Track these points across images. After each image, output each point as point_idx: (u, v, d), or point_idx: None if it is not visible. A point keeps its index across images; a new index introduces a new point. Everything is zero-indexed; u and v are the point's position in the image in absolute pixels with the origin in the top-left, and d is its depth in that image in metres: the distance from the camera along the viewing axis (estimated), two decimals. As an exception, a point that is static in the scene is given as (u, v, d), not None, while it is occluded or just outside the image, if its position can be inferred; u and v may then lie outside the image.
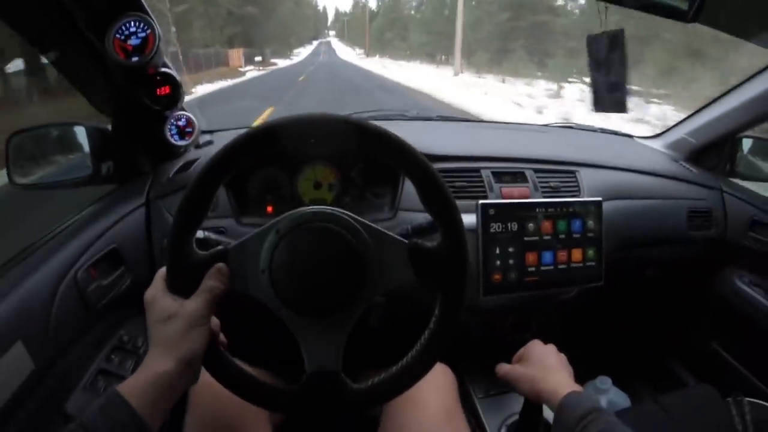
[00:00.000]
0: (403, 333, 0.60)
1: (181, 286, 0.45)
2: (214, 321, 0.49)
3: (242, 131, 0.45)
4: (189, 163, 0.91)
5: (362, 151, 0.46)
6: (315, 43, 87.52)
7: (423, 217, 0.60)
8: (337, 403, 0.47)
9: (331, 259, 0.45)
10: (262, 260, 0.45)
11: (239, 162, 0.45)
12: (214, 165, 0.44)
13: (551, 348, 0.67)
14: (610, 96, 0.74)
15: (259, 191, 0.89)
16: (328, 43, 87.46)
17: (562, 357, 0.66)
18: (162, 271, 0.47)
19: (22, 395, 0.56)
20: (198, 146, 0.96)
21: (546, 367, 0.62)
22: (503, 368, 0.67)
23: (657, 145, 1.24)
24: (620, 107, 0.73)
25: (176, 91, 0.86)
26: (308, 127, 0.45)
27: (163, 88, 0.85)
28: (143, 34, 0.75)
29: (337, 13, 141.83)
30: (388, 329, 0.83)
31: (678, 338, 1.27)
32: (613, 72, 0.72)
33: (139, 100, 0.82)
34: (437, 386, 0.70)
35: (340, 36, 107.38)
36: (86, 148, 0.83)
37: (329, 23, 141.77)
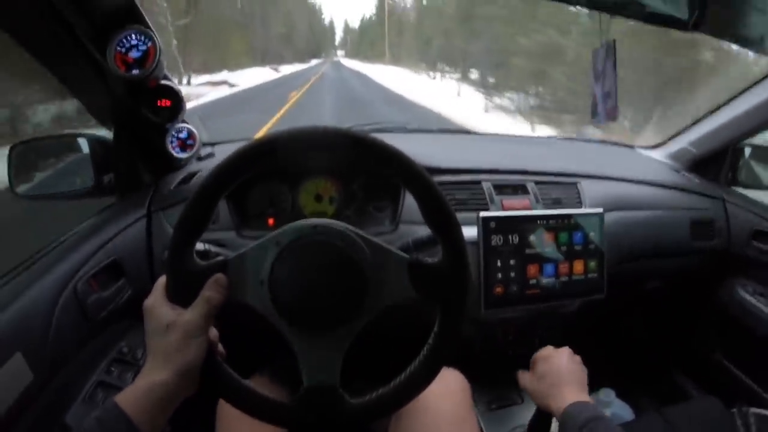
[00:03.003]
0: (402, 346, 0.59)
1: (180, 295, 0.45)
2: (213, 332, 0.49)
3: (243, 143, 0.45)
4: (190, 176, 0.91)
5: (364, 165, 0.45)
6: (313, 62, 53.77)
7: (424, 231, 0.60)
8: (334, 418, 0.47)
9: (331, 272, 0.45)
10: (262, 272, 0.45)
11: (240, 174, 0.45)
12: (216, 176, 0.44)
13: (563, 354, 0.66)
14: (604, 106, 0.76)
15: (260, 204, 0.89)
16: (338, 64, 48.59)
17: (576, 362, 0.65)
18: (162, 279, 0.47)
19: (21, 407, 0.55)
20: (200, 158, 0.96)
21: (555, 381, 0.62)
22: (522, 378, 0.68)
23: (658, 155, 1.24)
24: (613, 115, 0.75)
25: (177, 103, 0.86)
26: (309, 141, 0.45)
27: (163, 101, 0.85)
28: (144, 47, 0.75)
29: (347, 29, 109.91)
30: (387, 342, 0.83)
31: (681, 349, 1.26)
32: (606, 81, 0.74)
33: (140, 112, 0.82)
34: (449, 392, 0.69)
35: (356, 55, 70.19)
36: (88, 159, 0.83)
37: (338, 42, 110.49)
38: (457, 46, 17.19)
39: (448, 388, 0.69)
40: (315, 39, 75.95)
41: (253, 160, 0.45)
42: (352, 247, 0.45)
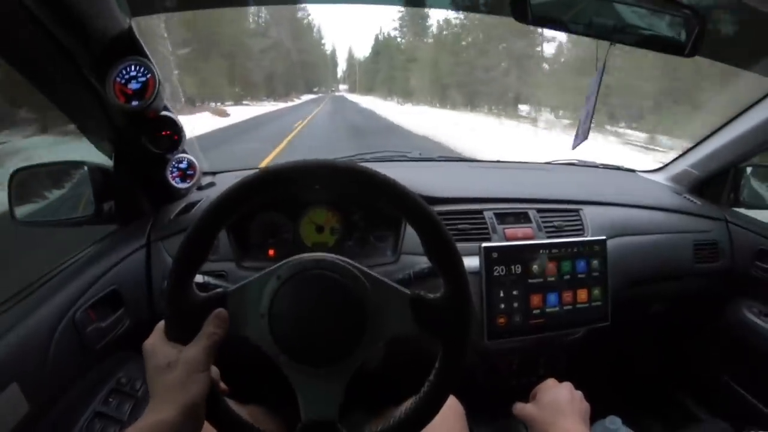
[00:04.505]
0: (402, 376, 0.58)
1: (180, 333, 0.44)
2: (214, 370, 0.48)
3: (244, 173, 0.45)
4: (191, 205, 0.91)
5: (365, 198, 0.45)
6: (303, 98, 39.72)
7: (425, 262, 0.59)
8: None
9: (331, 307, 0.45)
10: (262, 305, 0.44)
11: (239, 207, 0.44)
12: (215, 209, 0.44)
13: (565, 387, 0.65)
14: (581, 126, 0.77)
15: (261, 235, 0.88)
16: (343, 103, 32.31)
17: (577, 396, 0.64)
18: (162, 323, 0.46)
19: None
20: (200, 188, 0.96)
21: (557, 410, 0.61)
22: (518, 407, 0.66)
23: (660, 178, 1.24)
24: (585, 135, 0.76)
25: (177, 134, 0.86)
26: (309, 174, 0.45)
27: (163, 132, 0.85)
28: (143, 79, 0.74)
29: (350, 59, 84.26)
30: (387, 373, 0.81)
31: (688, 372, 1.24)
32: (589, 102, 0.74)
33: (140, 142, 0.82)
34: (443, 417, 0.69)
35: (370, 89, 53.37)
36: (89, 187, 0.82)
37: (340, 76, 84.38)
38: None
39: (444, 415, 0.69)
40: (309, 66, 53.21)
41: (252, 193, 0.44)
42: (354, 281, 0.45)
